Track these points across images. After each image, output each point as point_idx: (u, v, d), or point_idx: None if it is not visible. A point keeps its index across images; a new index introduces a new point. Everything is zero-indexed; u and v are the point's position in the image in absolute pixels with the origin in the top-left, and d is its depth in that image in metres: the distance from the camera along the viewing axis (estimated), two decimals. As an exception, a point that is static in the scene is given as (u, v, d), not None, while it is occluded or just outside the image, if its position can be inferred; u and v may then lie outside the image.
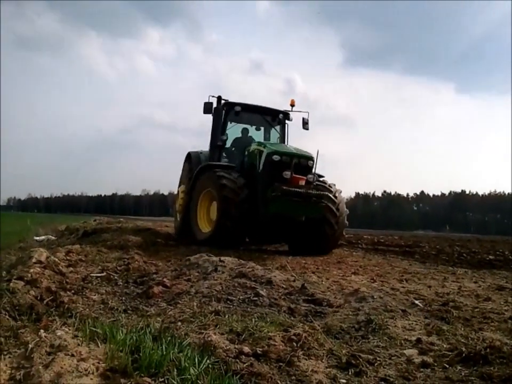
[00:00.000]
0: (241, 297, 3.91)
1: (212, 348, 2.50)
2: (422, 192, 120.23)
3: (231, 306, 3.65)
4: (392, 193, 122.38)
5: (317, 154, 9.00)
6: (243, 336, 2.80)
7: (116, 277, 4.81)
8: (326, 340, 2.86)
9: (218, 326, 2.99)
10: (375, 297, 4.13)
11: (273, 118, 11.51)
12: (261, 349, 2.57)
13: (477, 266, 8.80)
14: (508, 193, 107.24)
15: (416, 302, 4.29)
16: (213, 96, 10.53)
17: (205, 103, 10.32)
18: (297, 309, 3.70)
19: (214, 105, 10.51)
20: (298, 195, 8.57)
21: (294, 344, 2.70)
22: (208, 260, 5.17)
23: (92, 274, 4.81)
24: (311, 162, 9.19)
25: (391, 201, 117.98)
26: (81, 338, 2.39)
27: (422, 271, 7.36)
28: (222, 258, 5.27)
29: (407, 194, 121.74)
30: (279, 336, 2.79)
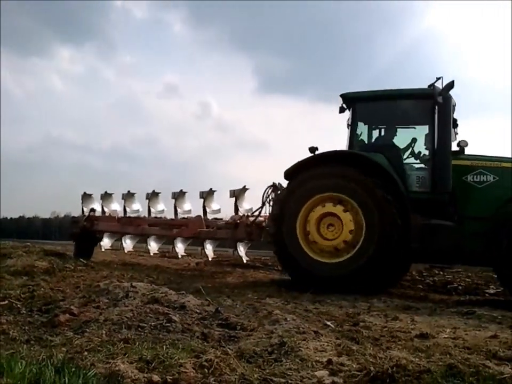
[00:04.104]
0: (153, 323, 3.79)
1: (120, 378, 2.41)
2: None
3: (142, 333, 3.53)
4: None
5: None
6: (153, 364, 2.71)
7: (19, 305, 4.55)
8: (239, 364, 2.83)
9: (127, 355, 2.87)
10: (288, 319, 4.16)
11: None
12: (171, 377, 2.50)
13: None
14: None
15: (328, 323, 4.37)
16: (438, 79, 7.62)
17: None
18: (211, 334, 3.64)
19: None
20: None
21: (206, 370, 2.65)
22: (119, 286, 4.98)
23: (-9, 303, 4.51)
24: None
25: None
26: (-26, 373, 2.22)
27: (334, 292, 7.50)
28: (134, 283, 5.11)
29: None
30: (190, 363, 2.73)
